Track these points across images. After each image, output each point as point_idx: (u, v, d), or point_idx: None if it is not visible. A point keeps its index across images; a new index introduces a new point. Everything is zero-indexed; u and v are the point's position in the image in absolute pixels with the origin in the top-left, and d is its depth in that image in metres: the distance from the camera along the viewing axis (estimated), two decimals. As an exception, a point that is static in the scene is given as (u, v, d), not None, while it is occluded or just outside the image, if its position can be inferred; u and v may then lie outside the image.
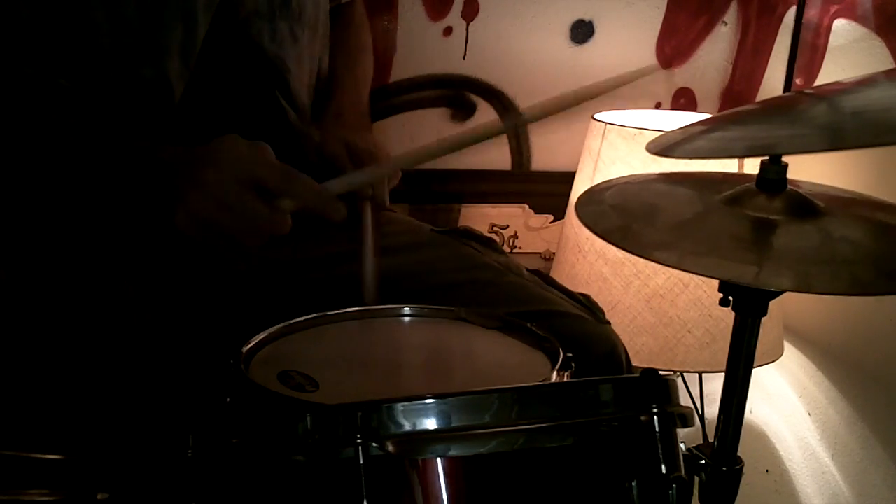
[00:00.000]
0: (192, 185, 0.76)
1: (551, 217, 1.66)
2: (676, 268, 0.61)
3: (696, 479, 0.69)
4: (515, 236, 1.67)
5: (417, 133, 1.59)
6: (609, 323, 0.99)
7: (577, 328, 0.92)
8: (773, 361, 1.43)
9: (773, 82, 1.58)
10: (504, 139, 1.63)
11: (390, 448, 0.56)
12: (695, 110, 1.67)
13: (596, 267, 1.37)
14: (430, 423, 0.57)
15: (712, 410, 1.04)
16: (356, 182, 0.86)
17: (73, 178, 0.84)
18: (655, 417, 0.61)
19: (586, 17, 1.59)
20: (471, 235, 1.08)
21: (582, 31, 1.59)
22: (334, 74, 1.10)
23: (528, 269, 1.04)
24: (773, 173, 0.67)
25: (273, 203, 0.77)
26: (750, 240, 0.65)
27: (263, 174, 0.77)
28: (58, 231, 0.89)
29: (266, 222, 0.77)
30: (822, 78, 1.46)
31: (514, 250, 1.66)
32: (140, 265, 0.88)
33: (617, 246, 0.65)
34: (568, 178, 1.49)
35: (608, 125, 1.38)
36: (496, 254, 1.06)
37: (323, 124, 1.03)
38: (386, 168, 0.95)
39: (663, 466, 0.61)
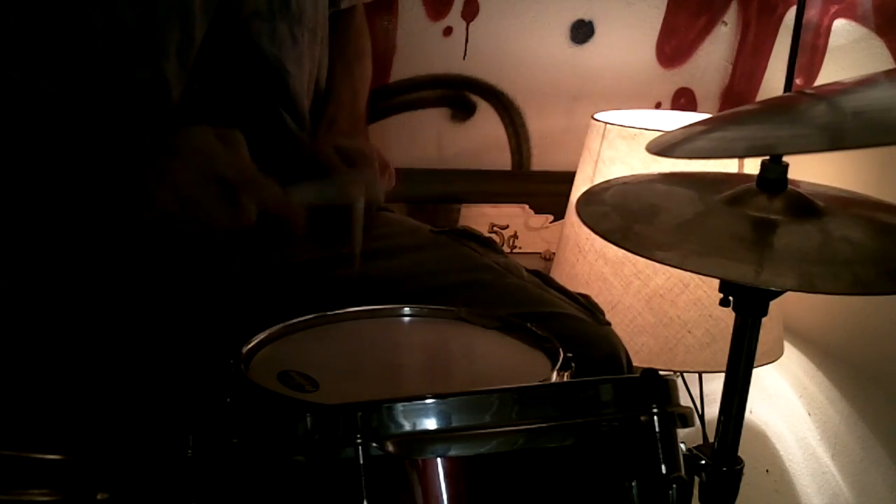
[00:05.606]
0: (156, 181, 0.77)
1: (551, 217, 1.66)
2: (678, 268, 0.61)
3: (696, 479, 0.69)
4: (515, 236, 1.66)
5: (417, 133, 1.59)
6: (609, 324, 0.99)
7: (577, 329, 0.92)
8: (773, 361, 1.43)
9: (773, 82, 1.58)
10: (504, 139, 1.63)
11: (390, 448, 0.56)
12: (695, 110, 1.67)
13: (596, 267, 1.37)
14: (430, 423, 0.57)
15: (712, 410, 1.04)
16: (324, 195, 0.85)
17: (47, 162, 0.83)
18: (655, 417, 0.61)
19: (586, 17, 1.59)
20: (470, 236, 1.08)
21: (582, 31, 1.59)
22: (332, 81, 1.10)
23: (527, 270, 1.04)
24: (774, 173, 0.67)
25: (235, 199, 0.78)
26: (750, 240, 0.65)
27: (227, 172, 0.78)
28: (54, 232, 0.88)
29: (227, 217, 0.77)
30: (822, 78, 1.46)
31: (514, 250, 1.66)
32: (134, 262, 0.88)
33: (618, 245, 0.65)
34: (568, 178, 1.49)
35: (608, 125, 1.38)
36: (496, 254, 1.06)
37: (317, 130, 1.02)
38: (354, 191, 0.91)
39: (663, 466, 0.61)
